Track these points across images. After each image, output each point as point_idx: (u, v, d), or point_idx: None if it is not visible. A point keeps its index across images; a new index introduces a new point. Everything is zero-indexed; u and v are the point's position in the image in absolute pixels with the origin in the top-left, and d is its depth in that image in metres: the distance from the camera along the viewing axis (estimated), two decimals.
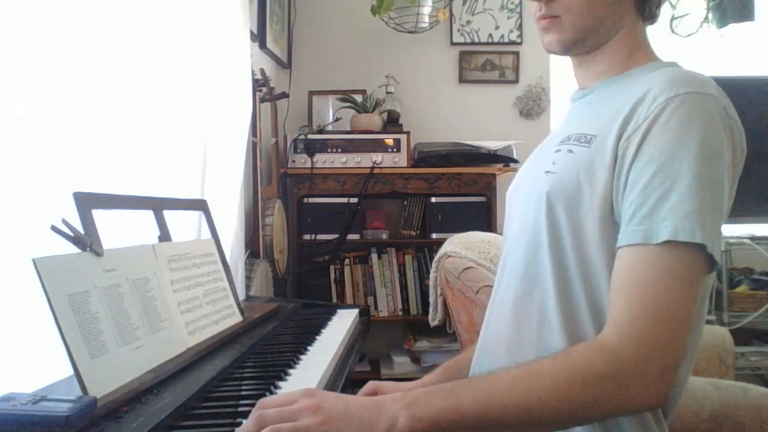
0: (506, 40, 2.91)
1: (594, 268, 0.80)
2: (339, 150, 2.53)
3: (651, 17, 0.91)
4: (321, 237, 2.54)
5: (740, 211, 2.42)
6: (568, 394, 0.67)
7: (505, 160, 2.57)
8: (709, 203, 0.71)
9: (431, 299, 1.76)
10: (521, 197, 0.93)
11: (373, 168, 2.50)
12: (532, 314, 0.86)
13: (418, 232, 2.66)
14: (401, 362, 2.63)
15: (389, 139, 2.55)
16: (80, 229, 0.85)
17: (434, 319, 1.76)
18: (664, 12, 3.15)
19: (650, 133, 0.75)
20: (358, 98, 2.69)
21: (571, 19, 0.87)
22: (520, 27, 2.91)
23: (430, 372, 1.09)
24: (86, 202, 0.88)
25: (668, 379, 0.68)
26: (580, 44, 0.89)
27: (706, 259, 0.71)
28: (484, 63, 2.93)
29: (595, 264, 0.79)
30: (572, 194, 0.81)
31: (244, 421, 0.70)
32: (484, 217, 2.57)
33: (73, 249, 0.83)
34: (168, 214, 1.12)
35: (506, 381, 0.70)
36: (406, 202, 2.67)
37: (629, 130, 0.77)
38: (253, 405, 0.79)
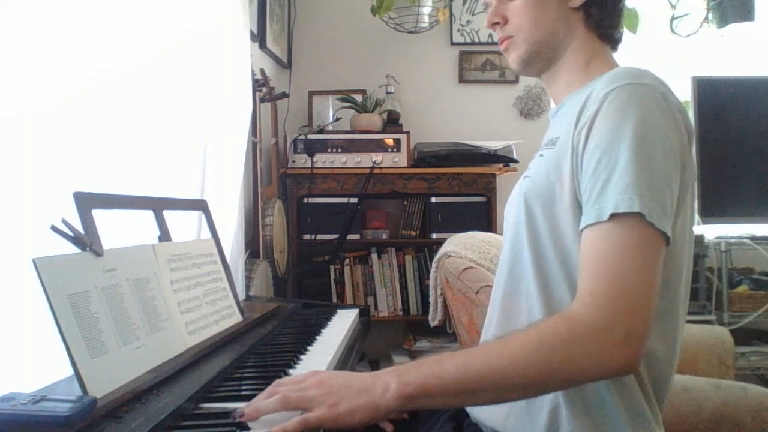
0: None
1: (572, 257, 0.85)
2: (339, 150, 2.53)
3: (603, 34, 0.98)
4: (321, 237, 2.54)
5: (740, 211, 2.44)
6: (535, 359, 0.73)
7: (505, 160, 2.57)
8: (647, 177, 0.77)
9: (431, 299, 1.76)
10: (512, 206, 1.00)
11: (373, 168, 2.50)
12: (521, 308, 0.93)
13: (418, 232, 2.66)
14: (401, 362, 2.62)
15: (389, 139, 2.55)
16: (80, 229, 0.85)
17: (434, 319, 1.76)
18: (664, 12, 3.11)
19: (594, 124, 0.82)
20: (358, 98, 2.69)
21: (523, 36, 0.98)
22: None
23: None
24: (86, 202, 0.88)
25: (634, 345, 0.72)
26: (536, 57, 0.99)
27: (658, 232, 0.76)
28: (484, 63, 2.93)
29: (572, 252, 0.85)
30: (545, 192, 0.88)
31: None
32: (484, 217, 2.57)
33: (73, 249, 0.83)
34: (168, 214, 1.12)
35: (482, 350, 0.78)
36: (406, 202, 2.67)
37: (580, 124, 0.85)
38: None
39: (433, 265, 1.71)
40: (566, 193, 0.85)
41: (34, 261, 0.74)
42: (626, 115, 0.80)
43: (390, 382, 0.75)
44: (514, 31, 0.98)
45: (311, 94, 2.89)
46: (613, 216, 0.76)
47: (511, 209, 0.98)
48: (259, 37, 2.42)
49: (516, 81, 2.93)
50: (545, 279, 0.88)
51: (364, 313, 1.58)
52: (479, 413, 0.98)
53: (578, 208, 0.84)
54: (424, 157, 2.54)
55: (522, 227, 0.92)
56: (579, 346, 0.72)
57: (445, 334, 2.13)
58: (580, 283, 0.78)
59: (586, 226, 0.79)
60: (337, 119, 2.77)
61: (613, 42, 1.00)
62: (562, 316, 0.76)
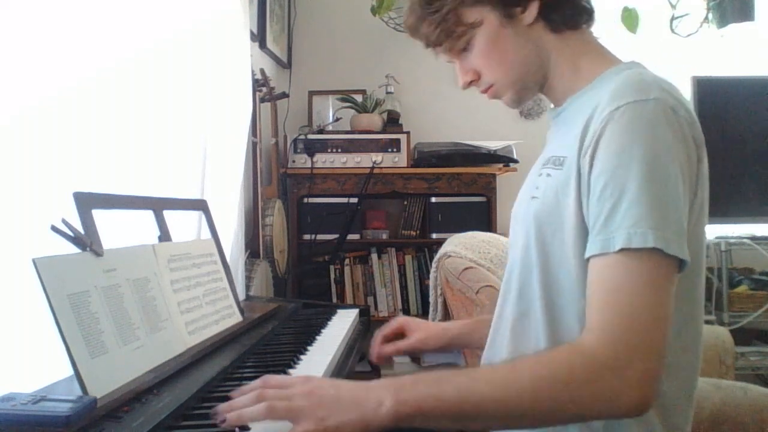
0: None
1: (578, 284, 0.80)
2: (339, 150, 2.53)
3: (573, 25, 0.90)
4: (321, 237, 2.54)
5: (740, 211, 2.44)
6: (545, 393, 0.69)
7: (505, 160, 2.57)
8: (660, 205, 0.72)
9: (431, 299, 1.76)
10: (518, 223, 0.96)
11: (373, 168, 2.50)
12: (530, 333, 0.89)
13: (418, 232, 2.66)
14: (401, 362, 2.63)
15: (389, 139, 2.55)
16: (80, 229, 0.85)
17: (434, 319, 1.76)
18: (664, 12, 3.10)
19: (599, 147, 0.77)
20: (358, 98, 2.69)
21: (503, 81, 0.93)
22: None
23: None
24: (86, 202, 0.88)
25: (649, 383, 0.69)
26: (526, 90, 0.94)
27: (670, 259, 0.72)
28: None
29: (578, 279, 0.80)
30: (555, 216, 0.83)
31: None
32: (484, 217, 2.56)
33: (73, 249, 0.83)
34: (168, 214, 1.12)
35: (487, 375, 0.74)
36: (406, 202, 2.67)
37: (585, 145, 0.79)
38: None
39: (433, 265, 1.71)
40: (572, 218, 0.81)
41: (34, 261, 0.74)
42: (633, 137, 0.74)
43: (384, 399, 0.70)
44: (491, 79, 0.93)
45: (311, 94, 2.89)
46: (624, 249, 0.71)
47: (519, 230, 0.93)
48: (259, 37, 2.42)
49: None
50: (553, 305, 0.85)
51: (364, 313, 1.58)
52: None
53: (583, 233, 0.80)
54: (424, 157, 2.54)
55: (532, 251, 0.87)
56: (592, 385, 0.68)
57: None
58: (589, 315, 0.74)
59: (591, 256, 0.75)
60: (337, 119, 2.77)
61: (586, 21, 0.92)
62: (574, 350, 0.72)
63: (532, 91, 0.95)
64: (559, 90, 0.94)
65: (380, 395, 0.70)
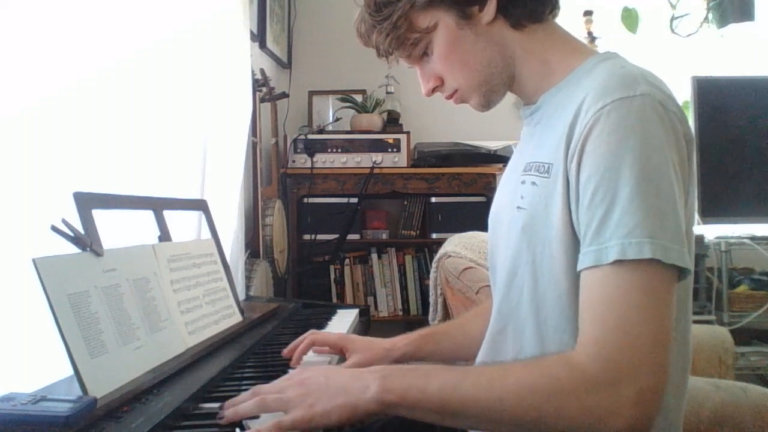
0: None
1: (570, 302, 0.77)
2: (339, 150, 2.53)
3: (536, 18, 0.85)
4: (321, 237, 2.54)
5: (740, 211, 2.44)
6: (527, 402, 0.66)
7: (505, 160, 2.57)
8: (655, 211, 0.67)
9: (431, 299, 1.76)
10: (502, 233, 0.92)
11: (373, 168, 2.50)
12: (508, 349, 0.88)
13: (418, 232, 2.66)
14: None
15: (389, 139, 2.55)
16: (80, 229, 0.85)
17: (434, 319, 1.76)
18: (664, 12, 3.09)
19: (585, 149, 0.72)
20: (358, 98, 2.69)
21: (467, 85, 0.88)
22: None
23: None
24: (86, 202, 0.88)
25: (646, 406, 0.64)
26: (494, 92, 0.89)
27: (668, 269, 0.67)
28: None
29: (569, 296, 0.77)
30: (545, 229, 0.79)
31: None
32: (484, 217, 2.53)
33: (73, 249, 0.83)
34: (168, 214, 1.12)
35: (474, 374, 0.71)
36: (406, 202, 2.67)
37: (571, 150, 0.75)
38: None
39: (433, 265, 1.71)
40: (560, 228, 0.76)
41: (34, 261, 0.74)
42: (622, 138, 0.69)
43: (370, 384, 0.71)
44: (455, 84, 0.89)
45: (311, 94, 2.89)
46: (619, 261, 0.66)
47: (502, 243, 0.89)
48: (259, 37, 2.42)
49: None
50: (544, 325, 0.81)
51: (364, 313, 1.58)
52: None
53: (571, 244, 0.75)
54: (424, 157, 2.54)
55: (521, 268, 0.83)
56: (576, 399, 0.65)
57: None
58: (582, 329, 0.69)
59: (584, 268, 0.70)
60: (337, 119, 2.77)
61: (551, 12, 0.87)
62: (563, 360, 0.68)
63: (499, 92, 0.90)
64: (529, 87, 0.89)
65: (367, 381, 0.72)
